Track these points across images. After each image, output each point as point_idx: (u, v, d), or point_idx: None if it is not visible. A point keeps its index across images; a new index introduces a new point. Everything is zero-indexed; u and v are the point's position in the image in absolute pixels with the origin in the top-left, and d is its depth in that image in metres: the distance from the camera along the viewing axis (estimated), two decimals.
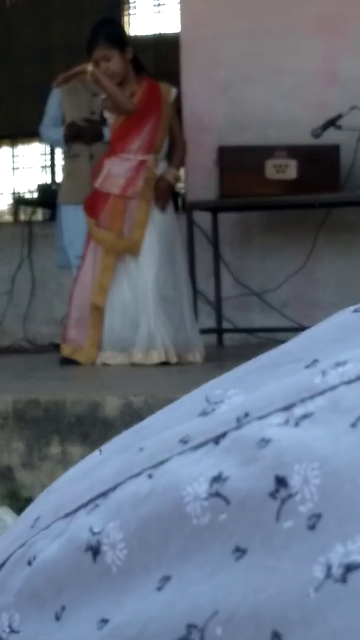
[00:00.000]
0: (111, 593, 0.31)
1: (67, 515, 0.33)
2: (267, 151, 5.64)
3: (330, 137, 5.43)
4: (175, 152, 5.20)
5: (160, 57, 6.88)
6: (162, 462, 0.32)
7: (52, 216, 6.99)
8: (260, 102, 6.12)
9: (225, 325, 6.10)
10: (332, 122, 5.45)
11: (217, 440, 0.32)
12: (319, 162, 5.60)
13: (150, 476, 0.32)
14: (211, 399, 0.34)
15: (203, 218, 5.92)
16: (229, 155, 5.70)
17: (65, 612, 0.31)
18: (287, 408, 0.32)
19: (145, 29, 7.88)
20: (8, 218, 8.68)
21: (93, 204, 5.18)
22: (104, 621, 0.30)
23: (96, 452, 0.37)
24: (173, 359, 4.98)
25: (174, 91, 5.21)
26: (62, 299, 6.63)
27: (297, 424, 0.31)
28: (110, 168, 5.11)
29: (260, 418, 0.32)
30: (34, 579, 0.32)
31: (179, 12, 6.49)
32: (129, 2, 7.88)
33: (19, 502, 3.92)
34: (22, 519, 0.36)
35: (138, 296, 4.99)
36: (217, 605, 0.29)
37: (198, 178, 6.20)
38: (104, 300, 5.05)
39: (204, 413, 0.34)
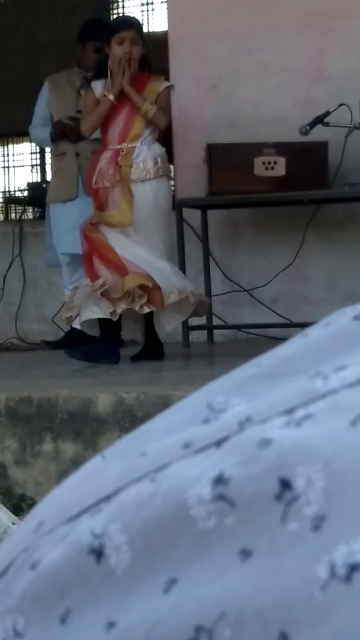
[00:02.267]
0: (117, 596, 0.31)
1: (70, 519, 0.33)
2: (256, 148, 5.67)
3: (319, 134, 5.45)
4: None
5: (148, 55, 6.90)
6: (164, 466, 0.32)
7: (42, 215, 7.01)
8: (248, 100, 6.15)
9: (215, 321, 6.13)
10: (320, 119, 5.48)
11: (218, 443, 0.32)
12: (307, 159, 5.63)
13: (152, 480, 0.32)
14: (214, 407, 0.35)
15: (192, 215, 5.94)
16: (217, 152, 5.72)
17: (70, 615, 0.31)
18: (289, 411, 0.32)
19: None
20: None
21: (96, 201, 5.22)
22: (111, 624, 0.30)
23: (98, 457, 0.37)
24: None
25: (164, 83, 5.29)
26: (53, 297, 6.65)
27: (298, 425, 0.32)
28: (100, 163, 5.18)
29: (262, 422, 0.32)
30: (38, 583, 0.32)
31: (167, 10, 6.52)
32: (117, 1, 7.90)
33: (12, 499, 3.95)
34: (24, 524, 0.35)
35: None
36: (224, 607, 0.29)
37: (187, 175, 6.23)
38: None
39: (206, 421, 0.34)
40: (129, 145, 5.16)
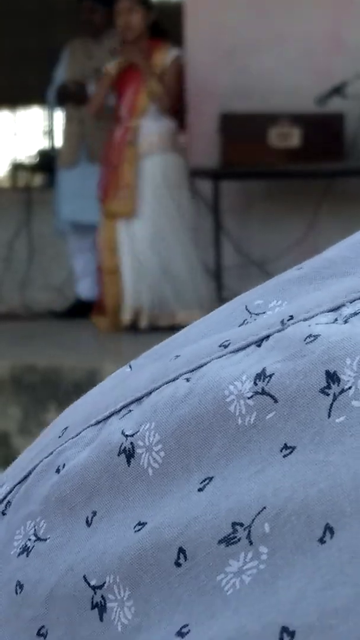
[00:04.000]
0: (148, 496, 0.30)
1: (98, 422, 0.32)
2: (271, 119, 5.59)
3: (335, 105, 5.37)
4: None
5: (164, 22, 6.81)
6: (200, 366, 0.31)
7: (51, 182, 6.96)
8: (264, 69, 6.06)
9: (226, 294, 6.06)
10: (336, 90, 5.40)
11: (259, 342, 0.31)
12: (323, 131, 5.55)
13: (188, 379, 0.31)
14: (252, 310, 0.33)
15: (204, 186, 5.87)
16: (231, 122, 5.65)
17: (96, 517, 0.30)
18: (335, 309, 0.31)
19: None
20: (6, 184, 8.62)
21: (102, 178, 5.21)
22: (141, 524, 0.29)
23: (125, 367, 0.35)
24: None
25: (172, 52, 5.19)
26: (60, 265, 6.58)
27: (346, 321, 0.30)
28: (113, 139, 5.16)
29: (306, 319, 0.31)
30: (62, 486, 0.31)
31: None
32: None
33: None
34: (47, 432, 0.34)
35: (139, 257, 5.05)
36: (264, 502, 0.28)
37: (200, 145, 6.14)
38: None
39: (245, 323, 0.33)
40: (136, 122, 5.11)
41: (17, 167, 8.24)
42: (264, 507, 0.28)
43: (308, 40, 5.99)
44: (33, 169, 7.56)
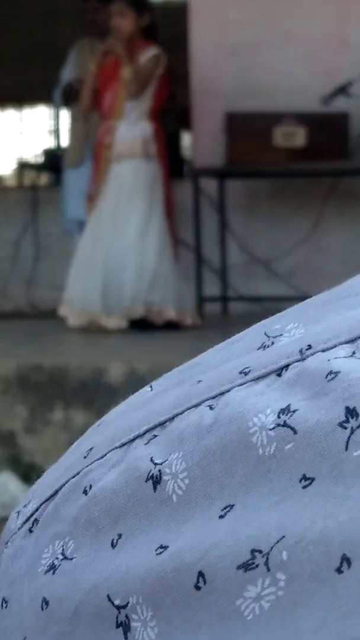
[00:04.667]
0: (171, 521, 0.31)
1: (122, 444, 0.33)
2: (276, 118, 5.60)
3: (340, 104, 5.38)
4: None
5: (169, 22, 6.82)
6: (222, 393, 0.32)
7: (58, 181, 6.97)
8: (269, 68, 6.07)
9: (231, 293, 6.07)
10: (341, 89, 5.41)
11: (279, 372, 0.32)
12: (327, 130, 5.55)
13: (211, 407, 0.32)
14: (270, 334, 0.34)
15: (209, 185, 5.88)
16: (236, 121, 5.65)
17: (121, 539, 0.31)
18: (353, 340, 0.32)
19: None
20: (13, 183, 8.64)
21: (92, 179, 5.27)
22: (163, 547, 0.30)
23: (147, 388, 0.36)
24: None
25: (151, 51, 5.17)
26: (66, 264, 6.60)
27: None
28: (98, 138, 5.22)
29: (325, 350, 0.32)
30: (91, 508, 0.32)
31: None
32: None
33: (21, 467, 3.92)
34: (72, 451, 0.36)
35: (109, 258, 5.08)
36: (283, 531, 0.29)
37: (205, 144, 6.16)
38: None
39: (263, 347, 0.34)
40: (113, 124, 5.14)
41: (23, 166, 8.25)
42: (283, 536, 0.29)
43: (312, 39, 6.00)
44: (39, 168, 7.57)
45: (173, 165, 6.69)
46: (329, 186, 5.91)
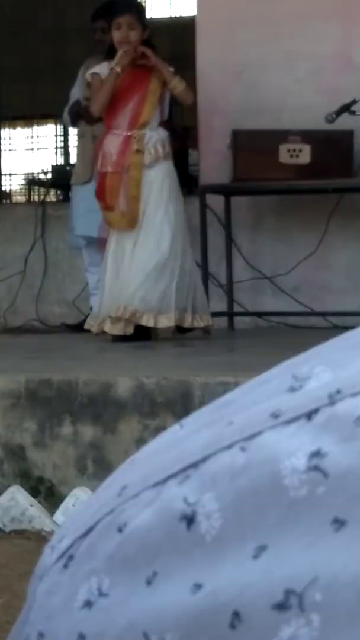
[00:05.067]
0: (205, 560, 0.31)
1: (156, 484, 0.33)
2: (281, 135, 5.65)
3: (345, 122, 5.43)
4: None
5: (175, 40, 6.90)
6: (254, 436, 0.33)
7: (66, 197, 7.03)
8: (274, 87, 6.13)
9: (237, 308, 6.12)
10: (346, 108, 5.46)
11: (309, 415, 0.32)
12: (332, 147, 5.61)
13: (243, 449, 0.32)
14: (298, 376, 0.35)
15: (216, 201, 5.94)
16: (243, 138, 5.71)
17: (157, 577, 0.32)
18: None
19: (161, 12, 7.89)
20: (22, 199, 8.70)
21: (98, 187, 5.30)
22: (198, 586, 0.31)
23: (176, 426, 0.37)
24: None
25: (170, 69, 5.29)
26: (74, 279, 6.66)
27: None
28: (104, 147, 5.25)
29: (354, 395, 0.32)
30: (126, 546, 0.33)
31: None
32: None
33: (30, 482, 3.96)
34: (105, 488, 0.36)
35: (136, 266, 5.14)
36: (316, 573, 0.29)
37: (211, 161, 6.22)
38: None
39: (292, 389, 0.34)
40: (140, 132, 5.20)
41: (32, 183, 8.32)
42: (317, 578, 0.29)
43: (318, 59, 6.06)
44: (48, 184, 7.64)
45: (181, 181, 6.77)
46: (333, 203, 5.97)
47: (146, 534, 0.32)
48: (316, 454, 0.31)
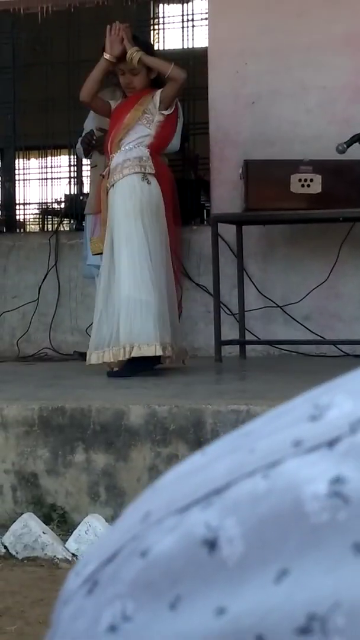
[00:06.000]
0: (227, 585, 0.31)
1: (179, 510, 0.34)
2: (293, 165, 5.70)
3: (355, 152, 5.47)
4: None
5: (188, 71, 6.94)
6: (275, 463, 0.33)
7: (79, 226, 7.07)
8: (286, 117, 6.19)
9: (248, 336, 6.15)
10: (357, 138, 5.50)
11: (330, 444, 0.33)
12: (343, 177, 5.65)
13: (265, 476, 0.33)
14: (319, 404, 0.35)
15: (228, 231, 5.98)
16: (254, 168, 5.76)
17: (180, 601, 0.32)
18: None
19: (173, 43, 7.96)
20: (35, 228, 8.77)
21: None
22: (221, 610, 0.31)
23: (198, 454, 0.37)
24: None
25: (157, 93, 5.12)
26: (87, 308, 6.70)
27: None
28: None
29: None
30: (149, 571, 0.33)
31: (207, 27, 6.57)
32: (157, 17, 7.96)
33: (43, 509, 3.98)
34: (128, 515, 0.36)
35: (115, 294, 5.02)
36: (338, 597, 0.29)
37: (223, 191, 6.27)
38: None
39: (312, 418, 0.34)
40: (112, 155, 5.11)
41: (46, 212, 8.37)
42: (339, 602, 0.29)
43: (328, 89, 6.12)
44: (61, 213, 7.70)
45: (194, 211, 6.81)
46: (344, 232, 6.00)
47: (169, 559, 0.32)
48: (337, 480, 0.31)
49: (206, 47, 6.58)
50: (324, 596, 0.30)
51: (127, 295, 4.92)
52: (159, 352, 4.92)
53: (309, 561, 0.30)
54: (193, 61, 6.68)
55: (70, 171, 8.02)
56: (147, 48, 5.28)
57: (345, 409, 0.34)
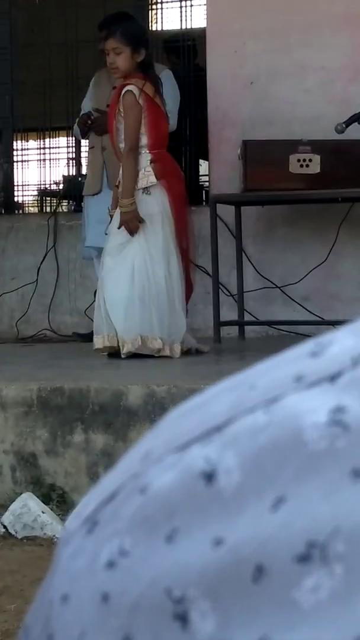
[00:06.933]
0: (224, 515, 0.31)
1: (179, 448, 0.34)
2: (291, 146, 5.69)
3: (354, 132, 5.47)
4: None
5: (186, 51, 6.93)
6: (276, 398, 0.33)
7: (78, 207, 7.07)
8: (284, 98, 6.17)
9: (247, 317, 6.16)
10: (356, 118, 5.49)
11: (332, 378, 0.32)
12: (342, 157, 5.64)
13: (266, 411, 0.33)
14: (320, 341, 0.35)
15: (226, 211, 5.97)
16: (253, 149, 5.74)
17: (177, 534, 0.32)
18: None
19: (171, 24, 7.94)
20: (33, 209, 8.76)
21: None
22: (219, 540, 0.31)
23: (198, 395, 0.37)
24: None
25: (126, 88, 5.01)
26: (86, 289, 6.70)
27: None
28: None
29: None
30: (147, 506, 0.33)
31: (206, 7, 6.55)
32: None
33: (42, 489, 3.99)
34: (129, 455, 0.37)
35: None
36: (337, 523, 0.29)
37: (222, 172, 6.26)
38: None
39: (314, 354, 0.34)
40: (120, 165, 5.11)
41: (44, 194, 8.37)
42: (338, 528, 0.29)
43: (328, 70, 6.10)
44: (60, 195, 7.69)
45: (192, 192, 6.79)
46: (343, 212, 6.00)
47: (167, 494, 0.33)
48: (337, 409, 0.31)
49: (204, 27, 6.56)
50: (322, 523, 0.29)
51: (127, 295, 4.96)
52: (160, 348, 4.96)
53: (306, 488, 0.30)
54: (191, 41, 6.67)
55: (68, 152, 8.01)
56: (139, 39, 5.12)
57: (347, 344, 0.34)
